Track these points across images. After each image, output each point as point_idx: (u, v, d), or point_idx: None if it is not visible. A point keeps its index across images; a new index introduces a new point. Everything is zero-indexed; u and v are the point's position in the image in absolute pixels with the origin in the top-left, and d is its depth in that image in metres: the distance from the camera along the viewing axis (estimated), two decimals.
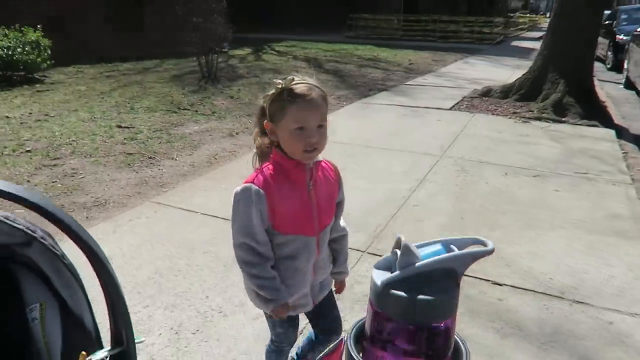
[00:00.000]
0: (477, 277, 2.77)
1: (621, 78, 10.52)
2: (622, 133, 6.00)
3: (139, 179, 4.24)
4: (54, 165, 4.51)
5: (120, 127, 5.81)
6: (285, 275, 1.50)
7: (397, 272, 0.40)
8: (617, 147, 5.36)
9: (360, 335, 0.44)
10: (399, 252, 0.40)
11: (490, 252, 0.42)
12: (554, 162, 4.76)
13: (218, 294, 2.60)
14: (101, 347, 0.80)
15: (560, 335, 2.32)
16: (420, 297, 0.38)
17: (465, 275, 2.54)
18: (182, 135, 5.57)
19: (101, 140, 5.31)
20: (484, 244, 0.43)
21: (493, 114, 6.77)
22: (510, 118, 6.54)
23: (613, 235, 3.31)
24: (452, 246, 0.42)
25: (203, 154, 4.93)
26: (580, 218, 3.56)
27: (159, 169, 4.49)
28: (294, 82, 1.34)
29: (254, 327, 2.31)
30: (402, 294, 0.39)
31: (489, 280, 2.74)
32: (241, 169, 4.37)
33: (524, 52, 15.14)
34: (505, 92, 7.71)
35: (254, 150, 1.50)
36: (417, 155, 4.90)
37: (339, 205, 1.61)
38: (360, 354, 0.49)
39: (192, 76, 9.40)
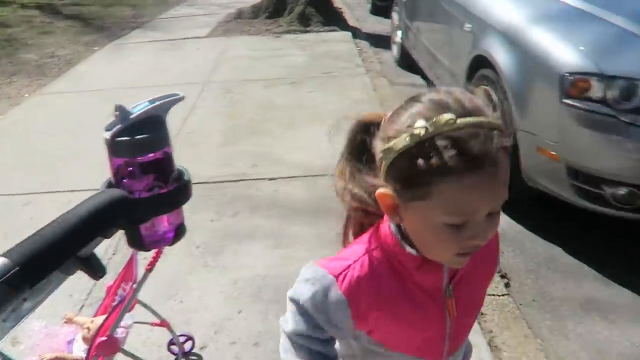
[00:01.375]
0: (253, 179, 3.13)
1: None
2: (356, 34, 6.90)
3: None
4: None
5: None
6: None
7: (118, 126, 0.59)
8: (352, 46, 6.20)
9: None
10: (117, 113, 0.59)
11: (181, 99, 0.64)
12: (305, 68, 5.32)
13: None
14: None
15: (325, 205, 2.82)
16: (138, 136, 0.59)
17: (244, 179, 2.82)
18: None
19: None
20: (177, 94, 0.65)
21: (248, 35, 7.06)
22: (263, 36, 6.93)
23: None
24: (157, 101, 0.62)
25: None
26: (331, 110, 4.16)
27: None
28: (453, 122, 0.64)
29: None
30: (126, 138, 0.58)
31: (264, 179, 3.13)
32: None
33: None
34: (256, 12, 8.02)
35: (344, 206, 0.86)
36: (182, 87, 4.94)
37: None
38: None
39: None
